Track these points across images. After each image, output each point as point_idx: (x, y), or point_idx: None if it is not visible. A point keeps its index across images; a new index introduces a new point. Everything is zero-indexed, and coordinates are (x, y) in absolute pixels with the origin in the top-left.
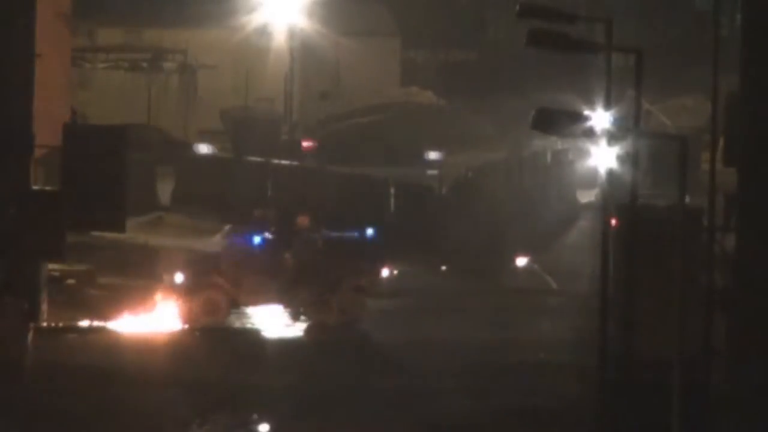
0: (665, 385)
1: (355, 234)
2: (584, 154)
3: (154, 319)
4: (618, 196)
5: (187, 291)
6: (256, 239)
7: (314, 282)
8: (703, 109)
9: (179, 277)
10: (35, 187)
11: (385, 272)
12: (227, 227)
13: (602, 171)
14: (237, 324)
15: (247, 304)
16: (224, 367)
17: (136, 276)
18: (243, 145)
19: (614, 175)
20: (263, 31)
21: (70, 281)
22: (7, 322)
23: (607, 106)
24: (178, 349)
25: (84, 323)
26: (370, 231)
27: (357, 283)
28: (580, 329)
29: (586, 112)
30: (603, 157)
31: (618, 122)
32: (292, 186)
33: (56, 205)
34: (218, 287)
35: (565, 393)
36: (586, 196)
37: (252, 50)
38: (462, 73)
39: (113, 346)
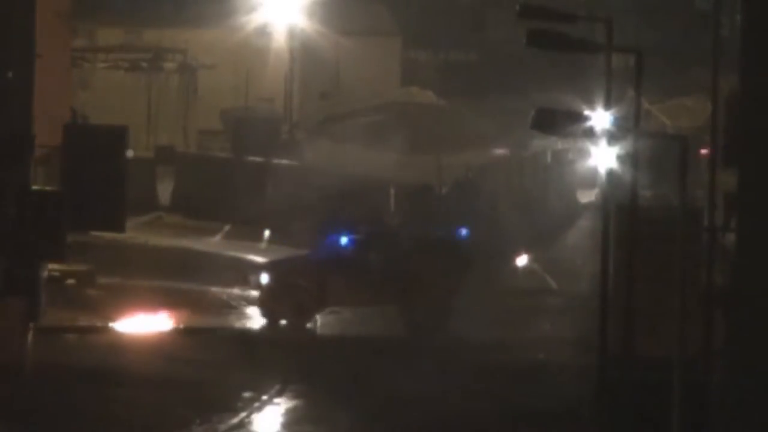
0: (665, 385)
1: (445, 232)
2: (584, 154)
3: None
4: (618, 196)
5: (272, 292)
6: (343, 239)
7: (401, 282)
8: (703, 109)
9: (264, 278)
10: (35, 187)
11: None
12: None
13: (602, 171)
14: (237, 324)
15: (333, 305)
16: (224, 367)
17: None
18: (243, 145)
19: (614, 175)
20: (263, 31)
21: (70, 281)
22: (7, 322)
23: (607, 106)
24: (177, 349)
25: (84, 323)
26: (463, 230)
27: (445, 282)
28: (580, 329)
29: (586, 112)
30: (603, 157)
31: (618, 122)
32: (292, 186)
33: (56, 205)
34: (304, 288)
35: (564, 393)
36: (586, 196)
37: (252, 50)
38: (462, 73)
39: (113, 346)
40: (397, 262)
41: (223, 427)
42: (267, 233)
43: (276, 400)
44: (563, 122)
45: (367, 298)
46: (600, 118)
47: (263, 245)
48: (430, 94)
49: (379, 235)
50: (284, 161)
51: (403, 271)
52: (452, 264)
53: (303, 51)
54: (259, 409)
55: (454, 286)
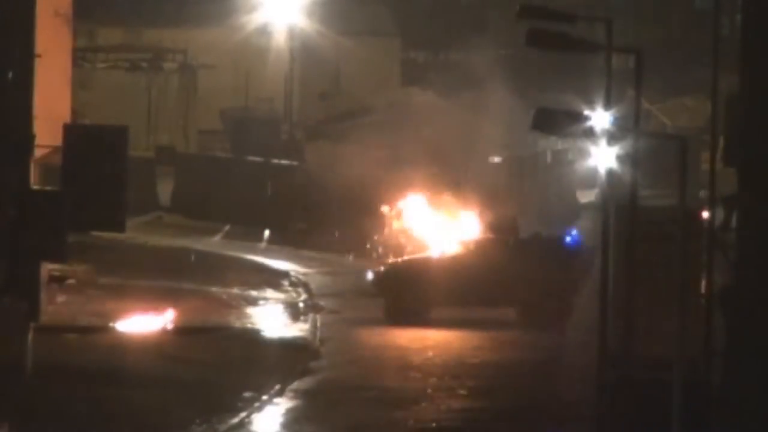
0: (665, 384)
1: (555, 236)
2: (584, 154)
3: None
4: (618, 195)
5: (381, 291)
6: (458, 240)
7: (507, 285)
8: (703, 109)
9: (369, 275)
10: (35, 187)
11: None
12: None
13: (602, 171)
14: (237, 324)
15: (443, 305)
16: (224, 367)
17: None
18: (243, 145)
19: (614, 175)
20: (263, 31)
21: (70, 281)
22: (7, 322)
23: (607, 106)
24: (177, 349)
25: (84, 323)
26: (572, 234)
27: (552, 286)
28: (580, 329)
29: (586, 112)
30: (603, 157)
31: (618, 122)
32: (292, 186)
33: (56, 205)
34: (407, 288)
35: (564, 393)
36: (586, 196)
37: (252, 50)
38: (462, 73)
39: (113, 346)
40: (509, 264)
41: (223, 427)
42: (267, 233)
43: (276, 400)
44: (563, 122)
45: (479, 300)
46: (600, 118)
47: (263, 245)
48: (430, 94)
49: (492, 237)
50: (284, 161)
51: (514, 273)
52: (564, 266)
53: (303, 51)
54: (259, 409)
55: (570, 288)
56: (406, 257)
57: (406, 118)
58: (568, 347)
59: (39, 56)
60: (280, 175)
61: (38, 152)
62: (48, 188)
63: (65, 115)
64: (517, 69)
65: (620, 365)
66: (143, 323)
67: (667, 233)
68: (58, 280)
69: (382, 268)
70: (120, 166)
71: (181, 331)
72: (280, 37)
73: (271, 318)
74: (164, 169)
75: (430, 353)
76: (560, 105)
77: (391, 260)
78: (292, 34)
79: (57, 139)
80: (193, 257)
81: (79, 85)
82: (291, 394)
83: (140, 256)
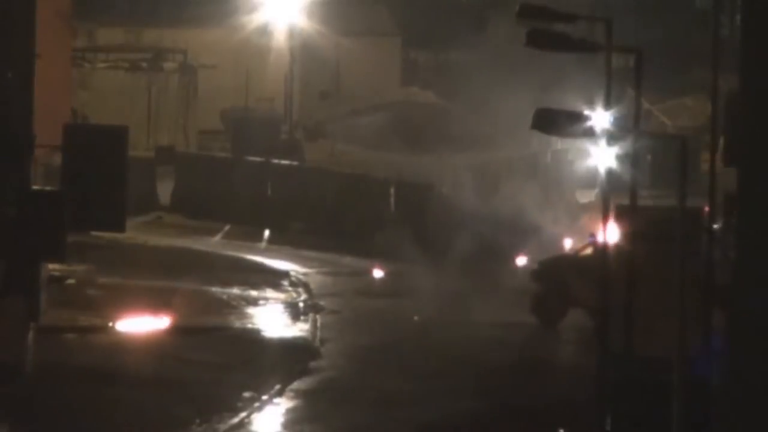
0: (665, 384)
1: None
2: (584, 154)
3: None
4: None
5: (542, 282)
6: (588, 242)
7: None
8: (703, 109)
9: (531, 270)
10: (35, 187)
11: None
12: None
13: (602, 171)
14: (237, 324)
15: (577, 306)
16: (224, 367)
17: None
18: (243, 145)
19: (614, 175)
20: (263, 31)
21: (70, 281)
22: (7, 322)
23: (607, 106)
24: (177, 349)
25: (84, 323)
26: None
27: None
28: (580, 329)
29: (586, 112)
30: (603, 157)
31: (618, 122)
32: (292, 186)
33: (56, 205)
34: (547, 288)
35: (564, 393)
36: (586, 196)
37: (252, 50)
38: (462, 73)
39: (113, 346)
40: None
41: (223, 427)
42: (267, 233)
43: (276, 400)
44: (563, 122)
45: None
46: (600, 118)
47: (263, 245)
48: (430, 94)
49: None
50: (284, 161)
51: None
52: None
53: (303, 51)
54: (259, 409)
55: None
56: (564, 251)
57: (406, 118)
58: (575, 347)
59: (39, 56)
60: (280, 175)
61: (38, 152)
62: (48, 188)
63: (65, 115)
64: (517, 69)
65: (620, 365)
66: (143, 323)
67: (668, 232)
68: (58, 280)
69: (543, 260)
70: (120, 166)
71: (181, 331)
72: (280, 37)
73: (271, 318)
74: (164, 169)
75: (431, 353)
76: (561, 105)
77: (551, 254)
78: (292, 34)
79: (57, 139)
80: (192, 257)
81: (79, 85)
82: (291, 394)
83: (140, 256)
